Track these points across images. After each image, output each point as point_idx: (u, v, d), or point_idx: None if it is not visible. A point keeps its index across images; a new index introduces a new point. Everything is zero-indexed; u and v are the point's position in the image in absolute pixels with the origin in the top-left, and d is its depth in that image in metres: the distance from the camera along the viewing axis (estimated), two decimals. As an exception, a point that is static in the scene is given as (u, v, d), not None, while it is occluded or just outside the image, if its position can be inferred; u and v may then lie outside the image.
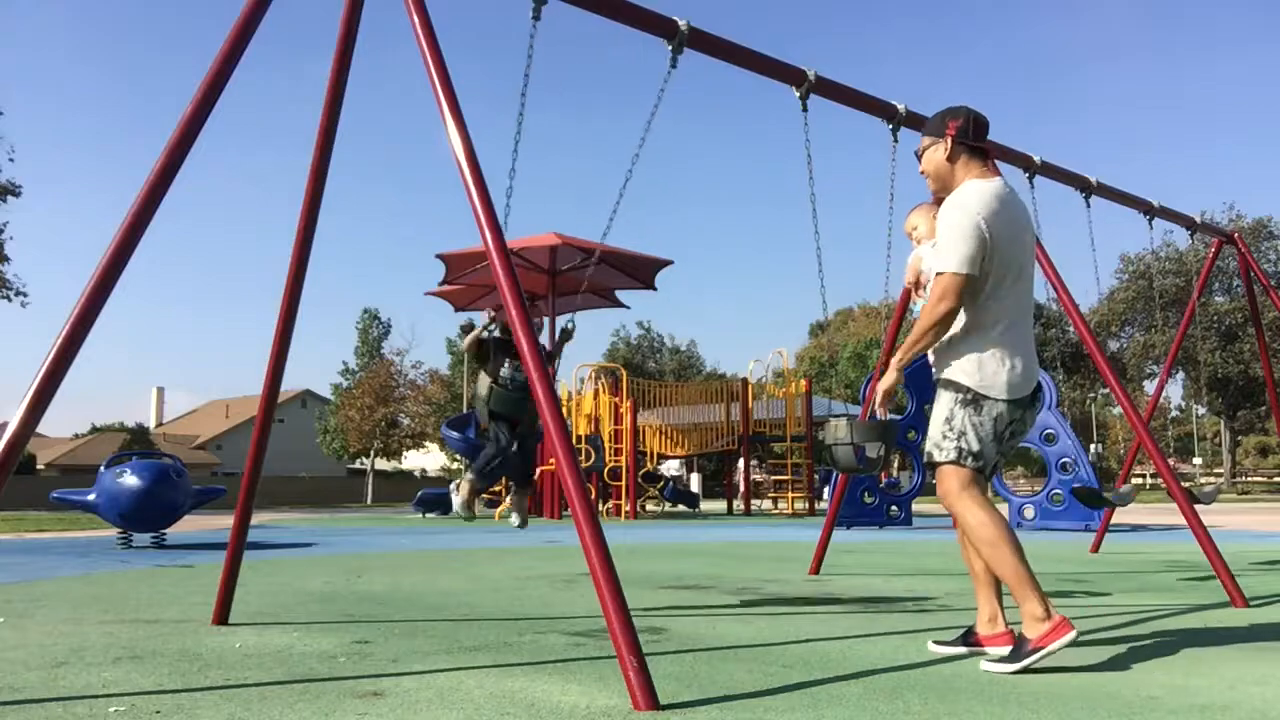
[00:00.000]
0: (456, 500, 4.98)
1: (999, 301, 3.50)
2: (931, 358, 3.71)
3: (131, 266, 3.35)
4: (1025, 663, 3.26)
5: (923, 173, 3.77)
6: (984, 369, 3.48)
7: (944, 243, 3.49)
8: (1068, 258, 7.56)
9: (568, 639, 4.01)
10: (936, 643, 3.82)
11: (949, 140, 3.63)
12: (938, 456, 3.53)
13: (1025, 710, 2.74)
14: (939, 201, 3.71)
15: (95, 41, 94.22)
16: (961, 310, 3.51)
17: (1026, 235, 3.62)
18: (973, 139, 3.64)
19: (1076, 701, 2.85)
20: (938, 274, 3.48)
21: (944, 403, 3.57)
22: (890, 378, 3.78)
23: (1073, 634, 3.25)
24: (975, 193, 3.51)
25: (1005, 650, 3.44)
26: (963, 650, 3.69)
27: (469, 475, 4.98)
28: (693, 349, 65.26)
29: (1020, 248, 3.56)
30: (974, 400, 3.48)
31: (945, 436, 3.51)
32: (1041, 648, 3.26)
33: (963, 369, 3.52)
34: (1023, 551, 3.38)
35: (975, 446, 3.47)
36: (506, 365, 5.08)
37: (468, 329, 5.17)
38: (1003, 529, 3.38)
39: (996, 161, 3.98)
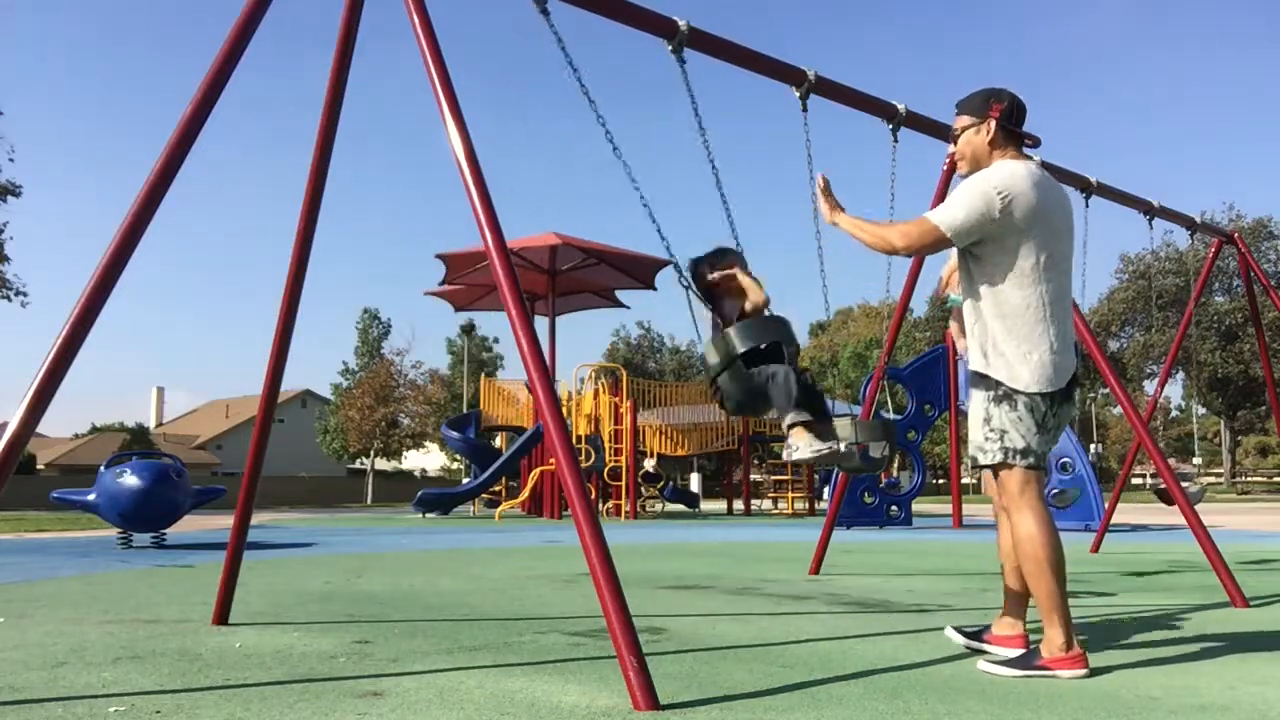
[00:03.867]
0: (803, 451, 3.50)
1: (1031, 288, 3.36)
2: (962, 349, 3.63)
3: (131, 266, 3.34)
4: (1025, 674, 3.23)
5: (958, 155, 3.63)
6: (1015, 361, 3.35)
7: (949, 199, 3.40)
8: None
9: (568, 639, 4.01)
10: (954, 629, 3.81)
11: (992, 122, 3.50)
12: (982, 460, 3.40)
13: (1025, 710, 2.74)
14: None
15: (95, 41, 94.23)
16: (992, 298, 3.40)
17: (1059, 221, 3.46)
18: (1014, 123, 3.54)
19: (1076, 701, 2.85)
20: (922, 216, 3.42)
21: (979, 402, 3.43)
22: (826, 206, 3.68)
23: (1084, 671, 3.20)
24: (1005, 170, 3.40)
25: (1013, 653, 3.42)
26: (971, 644, 3.68)
27: (788, 420, 3.53)
28: (693, 349, 65.24)
29: (1051, 233, 3.41)
30: (1007, 395, 3.35)
31: (987, 439, 3.39)
32: (1049, 669, 3.22)
33: (993, 362, 3.39)
34: (1064, 575, 3.29)
35: (1020, 444, 3.34)
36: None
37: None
38: (1053, 552, 3.26)
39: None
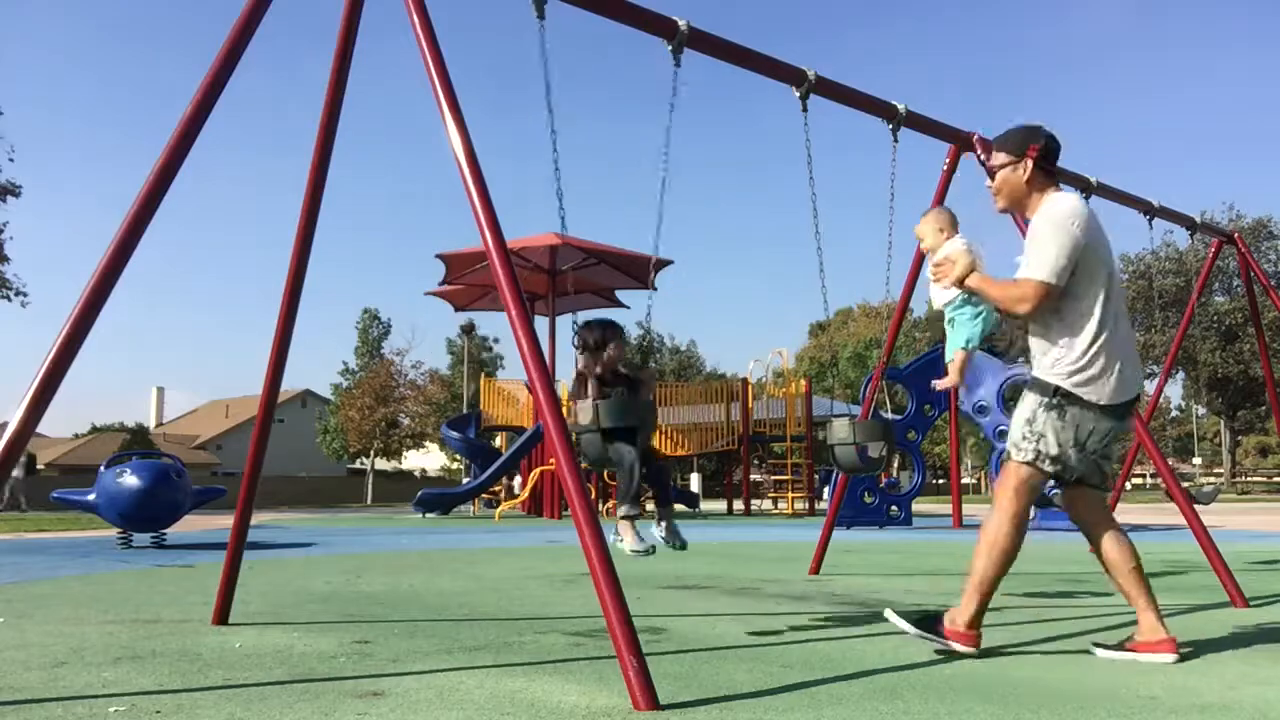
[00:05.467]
0: (626, 546, 3.99)
1: (1096, 306, 3.54)
2: (1032, 354, 3.73)
3: (131, 266, 3.34)
4: (924, 635, 3.58)
5: (995, 190, 3.79)
6: (1080, 373, 3.51)
7: (1036, 250, 3.53)
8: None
9: (568, 639, 4.01)
10: (1096, 645, 3.77)
11: (1029, 163, 3.67)
12: (1015, 456, 3.58)
13: (1025, 710, 2.74)
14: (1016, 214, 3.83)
15: (95, 41, 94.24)
16: (1062, 315, 3.56)
17: (1107, 240, 3.67)
18: (1050, 162, 3.71)
19: (1076, 701, 2.85)
20: (1025, 278, 3.53)
21: (1028, 403, 3.60)
22: (958, 273, 3.73)
23: (975, 650, 3.52)
24: (1066, 205, 3.59)
25: (1164, 658, 3.50)
26: (1125, 656, 3.62)
27: (620, 512, 4.12)
28: (693, 349, 65.29)
29: (1107, 252, 3.64)
30: (1059, 405, 3.52)
31: (1025, 437, 3.57)
32: (947, 640, 3.53)
33: (1057, 371, 3.54)
34: (1005, 573, 3.55)
35: (1054, 450, 3.52)
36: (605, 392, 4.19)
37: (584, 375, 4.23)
38: (1010, 546, 3.52)
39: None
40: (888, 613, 3.71)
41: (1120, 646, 3.70)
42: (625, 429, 3.89)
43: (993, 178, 3.79)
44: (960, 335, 3.97)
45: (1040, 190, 3.69)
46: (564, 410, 3.45)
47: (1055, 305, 3.55)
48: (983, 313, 3.93)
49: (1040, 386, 3.58)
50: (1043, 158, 3.68)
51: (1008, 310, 3.67)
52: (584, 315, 4.35)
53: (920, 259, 6.21)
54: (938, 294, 3.97)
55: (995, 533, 3.53)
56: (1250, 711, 2.73)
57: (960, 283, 3.75)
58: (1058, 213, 3.57)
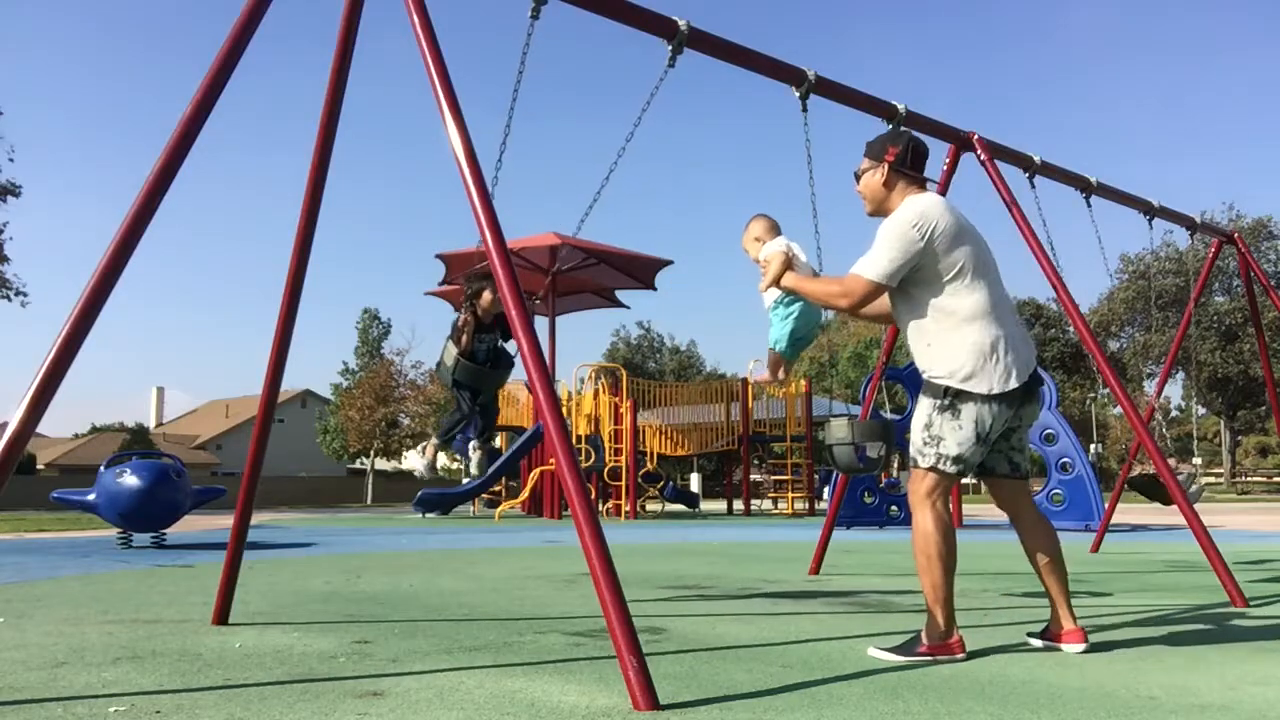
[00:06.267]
0: (421, 462, 5.57)
1: (967, 297, 3.55)
2: (914, 356, 3.77)
3: (132, 267, 3.34)
4: (909, 660, 3.46)
5: (860, 194, 3.85)
6: (962, 367, 3.52)
7: (872, 250, 3.61)
8: (1068, 258, 7.57)
9: (568, 639, 4.01)
10: (1030, 635, 3.84)
11: (886, 166, 3.73)
12: (921, 463, 3.62)
13: (1025, 710, 2.74)
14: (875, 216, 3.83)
15: (95, 41, 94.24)
16: (933, 309, 3.58)
17: (974, 234, 3.69)
18: (910, 167, 3.74)
19: (1076, 701, 2.85)
20: (851, 274, 3.63)
21: (923, 408, 3.64)
22: (772, 277, 3.90)
23: (963, 656, 3.49)
24: (913, 207, 3.63)
25: (1070, 648, 3.61)
26: (1040, 645, 3.73)
27: (434, 439, 5.67)
28: (693, 349, 65.26)
29: (973, 243, 3.62)
30: (950, 405, 3.54)
31: (925, 443, 3.60)
32: (929, 656, 3.47)
33: (940, 369, 3.57)
34: (953, 572, 3.55)
35: (953, 451, 3.55)
36: (479, 340, 5.46)
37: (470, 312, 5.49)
38: (944, 548, 3.52)
39: (998, 163, 4.01)
40: (871, 651, 3.64)
41: (1043, 635, 3.76)
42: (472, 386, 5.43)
43: (858, 184, 3.85)
44: (771, 335, 4.07)
45: (901, 194, 3.72)
46: (564, 410, 3.55)
47: (921, 307, 3.60)
48: (794, 313, 4.05)
49: (931, 389, 3.60)
50: (900, 161, 3.72)
51: (829, 306, 3.78)
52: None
53: None
54: (765, 298, 4.10)
55: (924, 542, 3.53)
56: (1250, 711, 2.73)
57: (777, 283, 3.85)
58: (901, 215, 3.61)
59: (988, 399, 3.51)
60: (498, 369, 5.50)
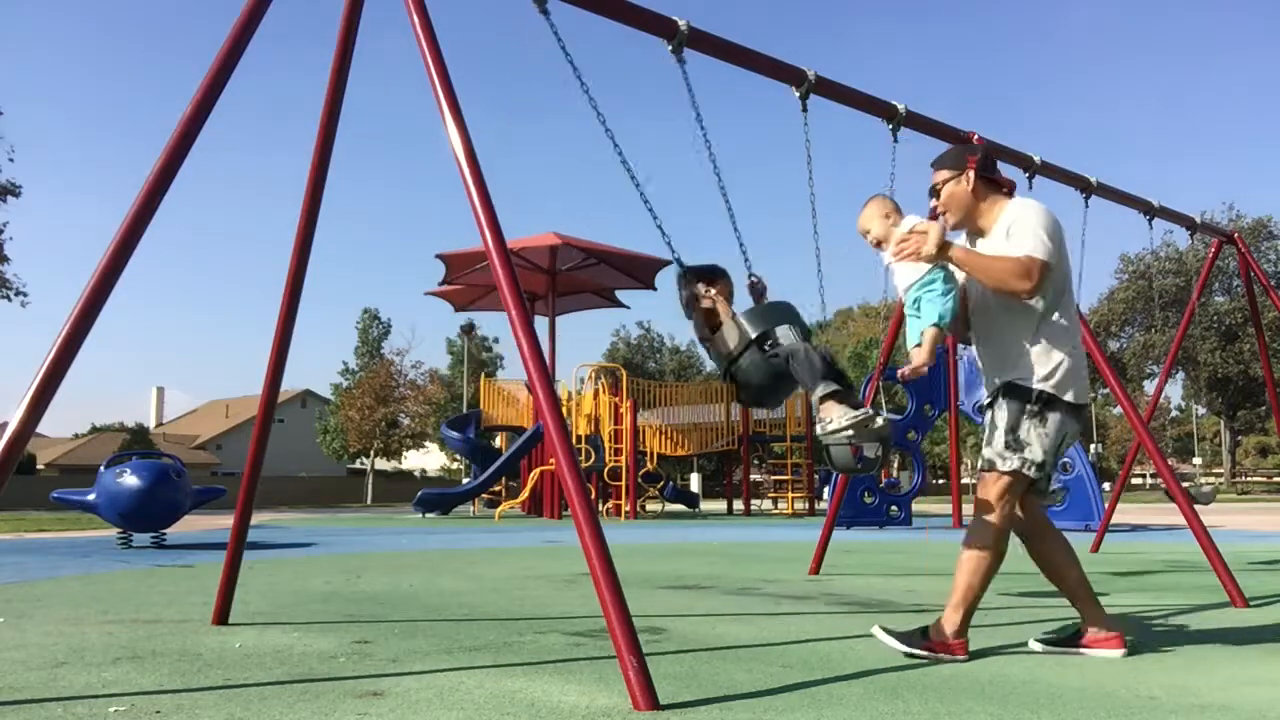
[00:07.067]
0: (841, 418, 3.31)
1: (1065, 311, 3.58)
2: (990, 362, 3.69)
3: (132, 267, 3.34)
4: (912, 651, 3.50)
5: (943, 208, 3.74)
6: (1055, 375, 3.52)
7: (1027, 233, 3.50)
8: (1068, 258, 7.55)
9: (568, 639, 4.01)
10: (1038, 640, 3.80)
11: (971, 174, 3.67)
12: (1001, 466, 3.54)
13: (1025, 710, 2.74)
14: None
15: (95, 41, 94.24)
16: (1037, 317, 3.55)
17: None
18: (990, 172, 3.72)
19: (1076, 701, 2.85)
20: (1024, 255, 3.45)
21: (1010, 411, 3.56)
22: (935, 239, 3.50)
23: (965, 657, 3.50)
24: (1041, 207, 3.61)
25: (1110, 654, 3.58)
26: (1069, 651, 3.67)
27: (819, 391, 3.39)
28: (693, 349, 65.19)
29: (1068, 260, 3.66)
30: (1040, 412, 3.52)
31: (1009, 446, 3.54)
32: (933, 653, 3.49)
33: (1035, 375, 3.53)
34: (990, 581, 3.55)
35: (1039, 457, 3.52)
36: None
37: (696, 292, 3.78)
38: (999, 551, 3.52)
39: (998, 163, 3.98)
40: (875, 630, 3.67)
41: (1066, 641, 3.72)
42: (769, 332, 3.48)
43: (937, 197, 3.76)
44: (932, 311, 3.61)
45: (989, 199, 3.68)
46: (564, 410, 3.43)
47: (1025, 313, 3.55)
48: (953, 289, 3.65)
49: (1020, 393, 3.54)
50: (982, 167, 3.69)
51: (1004, 287, 3.48)
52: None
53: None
54: (903, 275, 3.68)
55: (982, 540, 3.51)
56: (1250, 711, 2.73)
57: (936, 255, 3.49)
58: (1037, 207, 3.60)
59: (1071, 409, 3.54)
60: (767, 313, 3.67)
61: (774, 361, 3.47)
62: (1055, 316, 3.56)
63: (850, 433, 3.32)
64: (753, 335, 3.48)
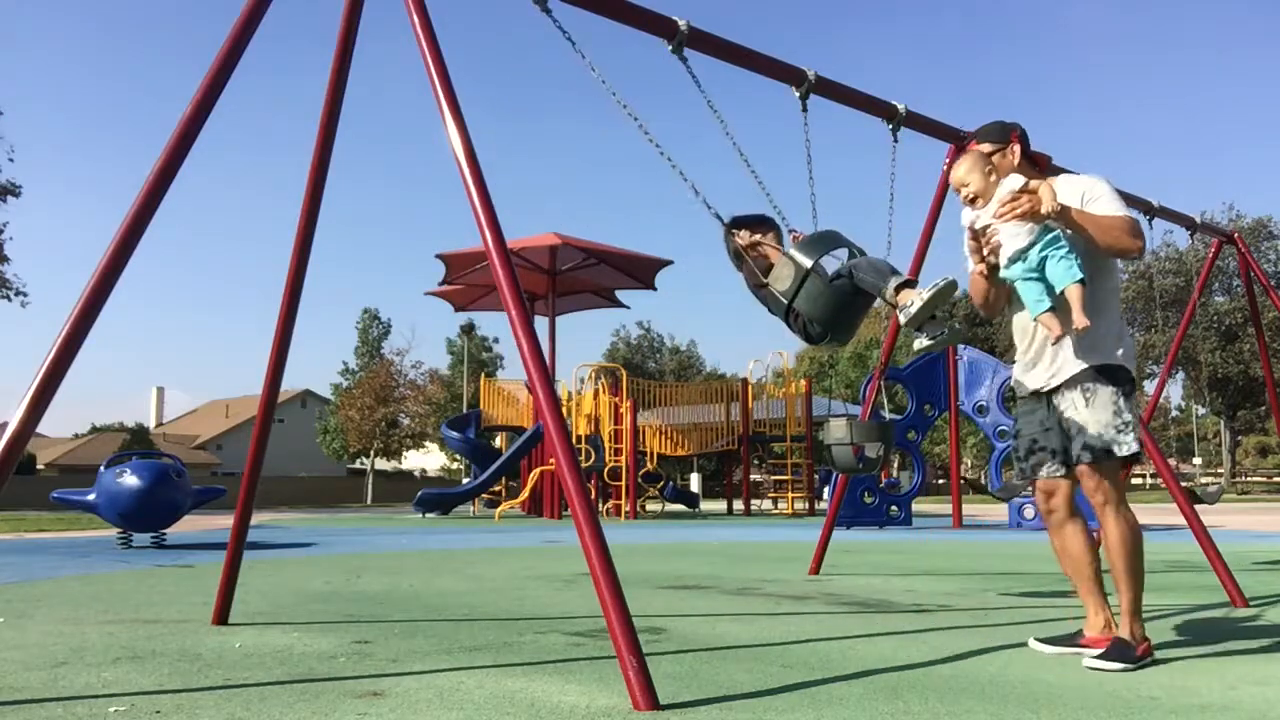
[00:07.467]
0: (919, 299, 3.28)
1: (1117, 285, 3.63)
2: (1068, 344, 3.51)
3: (131, 267, 3.34)
4: (1132, 667, 3.31)
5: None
6: (1130, 353, 3.56)
7: (1113, 198, 3.53)
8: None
9: (568, 639, 4.01)
10: (1039, 640, 3.76)
11: (1016, 148, 3.70)
12: (1122, 451, 3.44)
13: (1025, 710, 2.74)
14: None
15: (95, 41, 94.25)
16: (1117, 296, 3.60)
17: None
18: (1030, 150, 3.78)
19: (1076, 701, 2.85)
20: (1126, 214, 3.49)
21: (1106, 395, 3.47)
22: (1053, 197, 3.39)
23: (1152, 656, 3.43)
24: (1102, 177, 3.65)
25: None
26: (1069, 651, 3.63)
27: (892, 285, 3.38)
28: (693, 349, 65.26)
29: None
30: (1129, 390, 3.51)
31: (1120, 429, 3.44)
32: (1145, 658, 3.39)
33: (1119, 354, 3.53)
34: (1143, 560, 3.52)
35: (1139, 432, 3.51)
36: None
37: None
38: (1139, 533, 3.48)
39: None
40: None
41: (1068, 643, 3.69)
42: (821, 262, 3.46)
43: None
44: (1071, 268, 3.42)
45: (1031, 172, 3.67)
46: (564, 410, 3.43)
47: (1107, 294, 3.57)
48: (1075, 249, 3.46)
49: (1110, 373, 3.48)
50: (1024, 143, 3.73)
51: (1116, 244, 3.41)
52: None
53: (920, 258, 6.21)
54: (1010, 238, 3.48)
55: (1134, 539, 3.44)
56: (1250, 711, 2.73)
57: (1055, 213, 3.37)
58: (1104, 178, 3.62)
59: (1131, 380, 3.57)
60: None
61: (836, 284, 3.40)
62: (1113, 288, 3.60)
63: (936, 305, 3.26)
64: (808, 264, 3.42)
